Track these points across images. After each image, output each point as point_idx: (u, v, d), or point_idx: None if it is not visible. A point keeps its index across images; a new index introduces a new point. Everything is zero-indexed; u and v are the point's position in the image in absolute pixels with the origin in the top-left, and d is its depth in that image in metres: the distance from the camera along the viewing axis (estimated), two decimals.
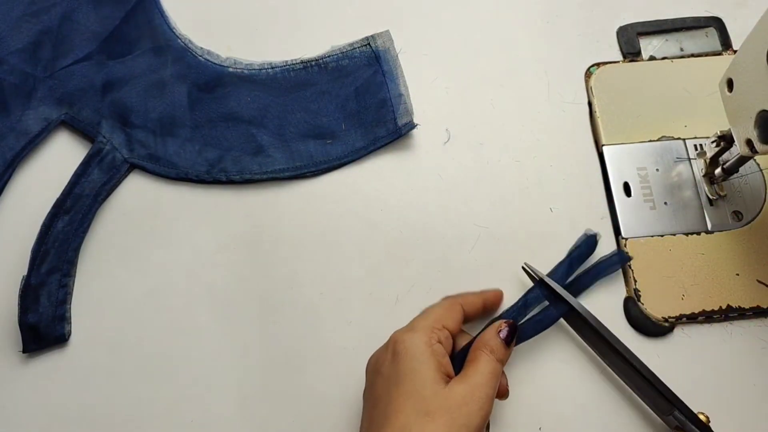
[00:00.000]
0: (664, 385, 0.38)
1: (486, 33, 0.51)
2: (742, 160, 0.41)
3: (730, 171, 0.43)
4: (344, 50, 0.49)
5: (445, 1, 0.52)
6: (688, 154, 0.46)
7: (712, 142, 0.43)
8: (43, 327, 0.41)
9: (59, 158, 0.47)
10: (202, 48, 0.49)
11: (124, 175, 0.46)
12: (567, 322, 0.41)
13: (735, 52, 0.49)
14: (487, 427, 0.38)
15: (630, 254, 0.43)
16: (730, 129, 0.39)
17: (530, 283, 0.42)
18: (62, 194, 0.44)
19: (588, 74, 0.49)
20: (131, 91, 0.47)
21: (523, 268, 0.42)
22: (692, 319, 0.42)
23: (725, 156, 0.43)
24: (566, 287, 0.41)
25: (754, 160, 0.45)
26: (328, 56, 0.49)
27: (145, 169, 0.46)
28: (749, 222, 0.44)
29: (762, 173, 0.45)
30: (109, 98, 0.47)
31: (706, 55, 0.49)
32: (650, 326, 0.42)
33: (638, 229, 0.44)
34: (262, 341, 0.42)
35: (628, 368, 0.39)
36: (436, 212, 0.45)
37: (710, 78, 0.44)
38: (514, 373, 0.41)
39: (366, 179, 0.46)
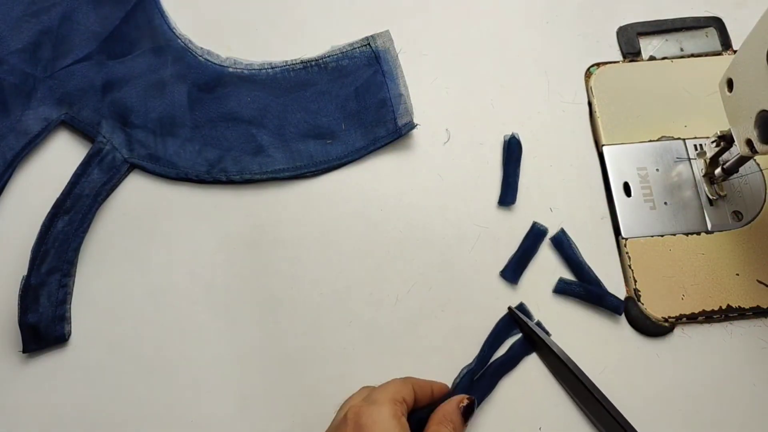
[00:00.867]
0: (634, 430, 0.38)
1: (486, 33, 0.51)
2: (742, 160, 0.41)
3: (730, 171, 0.43)
4: (344, 50, 0.49)
5: (445, 2, 0.52)
6: (688, 154, 0.46)
7: (712, 142, 0.43)
8: (43, 327, 0.41)
9: (59, 158, 0.47)
10: (202, 48, 0.49)
11: (124, 175, 0.46)
12: (540, 358, 0.42)
13: (735, 52, 0.49)
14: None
15: (629, 254, 0.43)
16: (730, 129, 0.39)
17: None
18: (62, 194, 0.44)
19: (588, 74, 0.49)
20: (131, 91, 0.47)
21: (509, 308, 0.42)
22: (692, 319, 0.42)
23: (725, 156, 0.43)
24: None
25: (754, 160, 0.45)
26: (328, 56, 0.49)
27: (145, 169, 0.46)
28: (749, 222, 0.44)
29: (762, 173, 0.45)
30: (109, 98, 0.47)
31: (706, 55, 0.49)
32: (650, 326, 0.42)
33: (638, 229, 0.44)
34: (262, 341, 0.42)
35: (600, 409, 0.39)
36: (436, 212, 0.45)
37: (710, 78, 0.44)
38: (514, 373, 0.41)
39: (366, 179, 0.46)
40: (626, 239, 0.44)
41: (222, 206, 0.46)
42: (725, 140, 0.42)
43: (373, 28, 0.49)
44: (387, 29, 0.49)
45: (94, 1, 0.50)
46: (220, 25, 0.51)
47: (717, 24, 0.50)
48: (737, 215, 0.44)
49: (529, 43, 0.50)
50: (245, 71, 0.48)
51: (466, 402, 0.37)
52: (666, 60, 0.49)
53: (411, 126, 0.46)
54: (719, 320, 0.42)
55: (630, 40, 0.50)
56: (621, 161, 0.46)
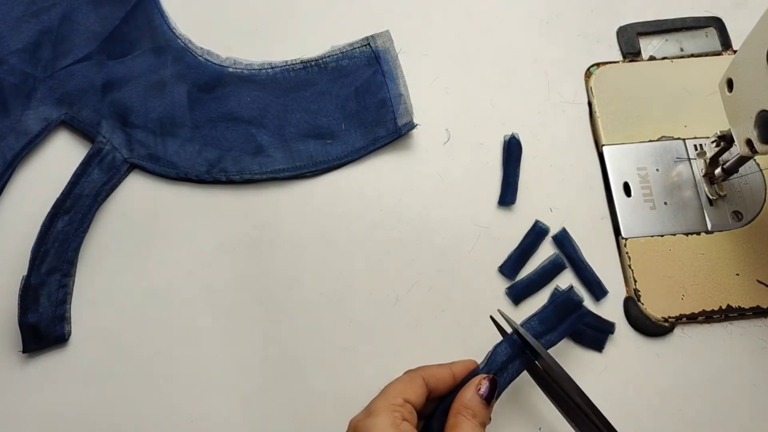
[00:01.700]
0: None
1: (486, 33, 0.51)
2: (742, 160, 0.41)
3: (730, 171, 0.43)
4: (344, 50, 0.49)
5: (446, 2, 0.52)
6: (688, 154, 0.46)
7: (712, 142, 0.43)
8: (43, 327, 0.41)
9: (59, 158, 0.47)
10: (202, 48, 0.49)
11: (124, 175, 0.46)
12: (530, 374, 0.38)
13: (735, 52, 0.49)
14: None
15: (630, 254, 0.43)
16: (730, 129, 0.39)
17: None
18: (62, 194, 0.44)
19: (588, 74, 0.49)
20: (131, 91, 0.47)
21: (491, 317, 0.40)
22: (692, 319, 0.42)
23: (725, 156, 0.43)
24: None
25: (754, 160, 0.45)
26: (328, 56, 0.49)
27: (145, 169, 0.46)
28: (749, 222, 0.44)
29: (762, 173, 0.45)
30: (109, 98, 0.47)
31: (706, 55, 0.49)
32: (650, 326, 0.42)
33: (638, 229, 0.44)
34: (262, 341, 0.42)
35: (584, 419, 0.35)
36: (436, 212, 0.45)
37: (710, 78, 0.44)
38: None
39: (366, 179, 0.46)
40: (626, 239, 0.44)
41: (222, 206, 0.46)
42: (725, 140, 0.42)
43: (373, 28, 0.49)
44: (387, 29, 0.49)
45: (94, 1, 0.50)
46: (220, 25, 0.51)
47: (717, 24, 0.50)
48: (737, 215, 0.44)
49: (529, 43, 0.50)
50: (245, 71, 0.48)
51: (485, 385, 0.34)
52: (666, 60, 0.49)
53: (411, 126, 0.46)
54: (719, 320, 0.42)
55: (630, 40, 0.50)
56: (621, 161, 0.46)
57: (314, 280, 0.44)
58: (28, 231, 0.43)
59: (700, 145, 0.46)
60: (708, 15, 0.51)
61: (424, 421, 0.36)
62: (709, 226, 0.44)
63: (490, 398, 0.34)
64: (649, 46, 0.50)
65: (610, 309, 0.43)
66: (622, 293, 0.43)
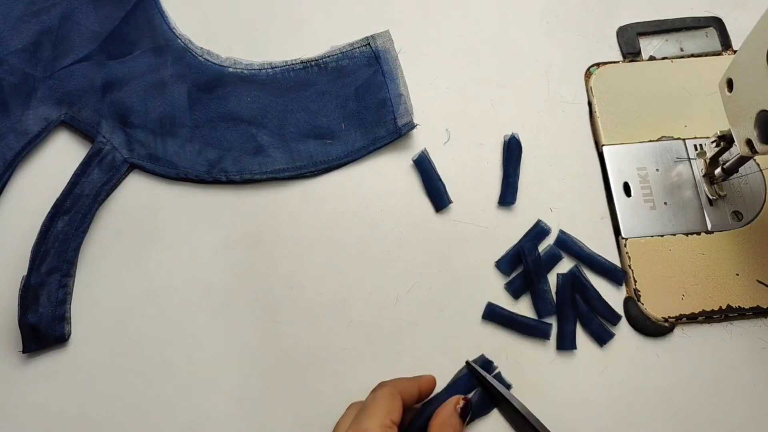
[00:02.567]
0: None
1: (486, 33, 0.51)
2: (742, 160, 0.41)
3: (730, 171, 0.43)
4: (344, 50, 0.49)
5: (445, 1, 0.52)
6: (688, 154, 0.46)
7: (712, 142, 0.43)
8: (43, 327, 0.41)
9: (59, 158, 0.47)
10: (202, 48, 0.49)
11: (124, 175, 0.46)
12: (501, 413, 0.40)
13: (735, 52, 0.49)
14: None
15: (629, 254, 0.43)
16: (730, 129, 0.39)
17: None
18: (62, 194, 0.44)
19: (588, 74, 0.49)
20: (131, 91, 0.47)
21: (467, 362, 0.41)
22: (692, 319, 0.42)
23: (725, 156, 0.43)
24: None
25: (754, 160, 0.45)
26: (328, 56, 0.49)
27: (144, 169, 0.46)
28: (749, 222, 0.44)
29: (762, 173, 0.45)
30: (109, 98, 0.47)
31: (706, 55, 0.49)
32: (650, 326, 0.42)
33: (638, 229, 0.44)
34: (262, 341, 0.42)
35: None
36: (435, 212, 0.45)
37: (710, 78, 0.44)
38: (514, 372, 0.41)
39: (366, 179, 0.46)
40: (626, 239, 0.44)
41: (222, 206, 0.46)
42: (725, 140, 0.42)
43: (373, 28, 0.49)
44: (387, 29, 0.49)
45: (94, 1, 0.50)
46: (220, 25, 0.51)
47: (717, 24, 0.50)
48: (737, 215, 0.44)
49: (529, 43, 0.50)
50: (245, 71, 0.48)
51: (462, 403, 0.37)
52: (666, 60, 0.49)
53: (411, 126, 0.46)
54: (719, 320, 0.42)
55: (630, 40, 0.50)
56: (621, 161, 0.46)
57: (314, 280, 0.44)
58: (28, 231, 0.43)
59: (700, 145, 0.46)
60: (708, 15, 0.51)
61: None
62: (709, 226, 0.44)
63: (465, 416, 0.37)
64: (649, 46, 0.50)
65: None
66: (622, 293, 0.43)
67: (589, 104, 0.48)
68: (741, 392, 0.41)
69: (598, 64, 0.49)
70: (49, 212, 0.43)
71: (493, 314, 0.42)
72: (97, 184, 0.45)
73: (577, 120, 0.48)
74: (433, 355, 0.42)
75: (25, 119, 0.46)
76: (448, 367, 0.41)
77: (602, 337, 0.42)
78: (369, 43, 0.48)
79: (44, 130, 0.46)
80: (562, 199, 0.46)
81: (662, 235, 0.44)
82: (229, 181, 0.46)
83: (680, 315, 0.42)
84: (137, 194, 0.46)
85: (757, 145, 0.35)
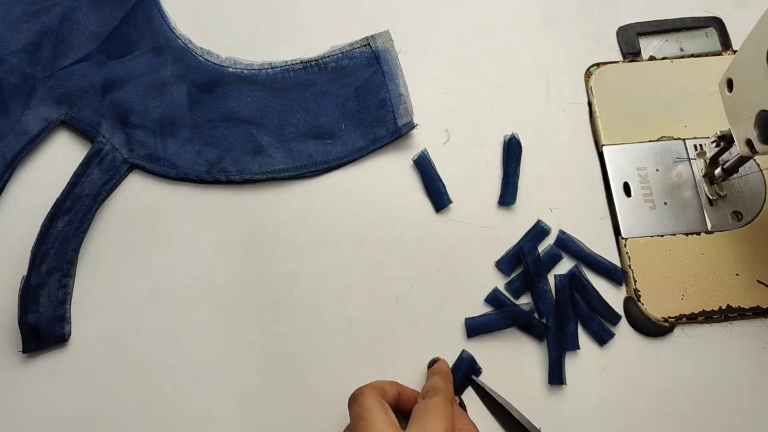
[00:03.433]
0: None
1: (486, 33, 0.51)
2: (742, 160, 0.41)
3: (730, 171, 0.43)
4: (344, 50, 0.49)
5: (445, 2, 0.52)
6: (688, 154, 0.46)
7: (712, 142, 0.43)
8: (43, 327, 0.41)
9: (59, 158, 0.47)
10: (202, 48, 0.49)
11: (124, 175, 0.46)
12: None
13: (735, 52, 0.49)
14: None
15: (629, 254, 0.43)
16: (730, 129, 0.39)
17: None
18: (62, 194, 0.44)
19: (588, 74, 0.49)
20: (131, 91, 0.47)
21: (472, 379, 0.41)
22: (692, 319, 0.42)
23: (725, 156, 0.43)
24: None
25: (754, 160, 0.45)
26: (328, 56, 0.49)
27: (144, 169, 0.46)
28: (749, 222, 0.44)
29: (762, 173, 0.45)
30: (109, 98, 0.47)
31: (706, 55, 0.49)
32: (650, 326, 0.42)
33: (638, 230, 0.44)
34: (262, 341, 0.42)
35: None
36: (435, 212, 0.45)
37: (710, 78, 0.44)
38: (514, 372, 0.41)
39: (366, 179, 0.46)
40: (626, 239, 0.44)
41: (222, 206, 0.46)
42: (725, 140, 0.42)
43: (373, 28, 0.49)
44: (387, 29, 0.49)
45: (94, 2, 0.50)
46: (220, 25, 0.51)
47: (717, 24, 0.50)
48: (737, 215, 0.44)
49: (529, 43, 0.50)
50: (245, 71, 0.48)
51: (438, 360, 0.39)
52: (666, 60, 0.49)
53: (411, 126, 0.46)
54: (719, 320, 0.42)
55: (630, 40, 0.50)
56: (621, 161, 0.46)
57: (314, 280, 0.44)
58: (28, 231, 0.43)
59: (700, 145, 0.46)
60: (708, 15, 0.51)
61: None
62: (709, 226, 0.44)
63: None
64: (649, 46, 0.50)
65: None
66: (622, 293, 0.43)
67: (589, 104, 0.48)
68: (741, 392, 0.41)
69: (598, 64, 0.49)
70: (49, 212, 0.43)
71: (496, 301, 0.43)
72: (97, 184, 0.45)
73: (577, 120, 0.48)
74: (433, 355, 0.42)
75: (25, 119, 0.46)
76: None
77: (602, 337, 0.42)
78: (369, 43, 0.48)
79: (44, 130, 0.46)
80: (562, 199, 0.46)
81: (662, 235, 0.44)
82: (229, 181, 0.46)
83: (680, 315, 0.42)
84: (137, 194, 0.46)
85: (757, 145, 0.35)
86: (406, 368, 0.41)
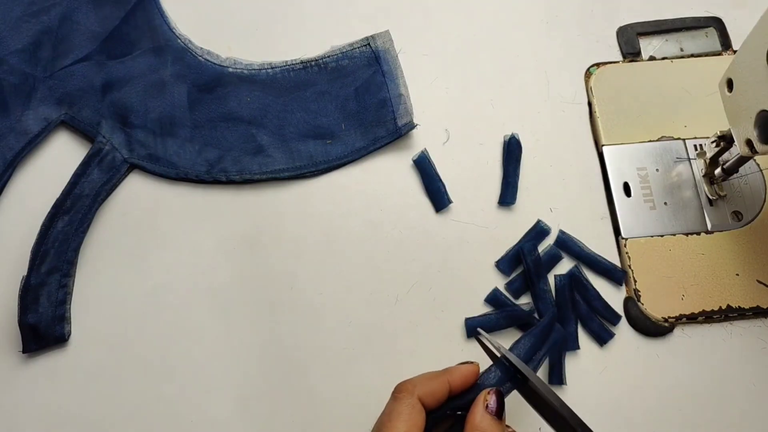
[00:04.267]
0: None
1: (486, 33, 0.51)
2: (742, 160, 0.41)
3: (730, 171, 0.43)
4: (344, 50, 0.49)
5: (445, 1, 0.52)
6: (688, 154, 0.46)
7: (712, 142, 0.43)
8: (43, 327, 0.41)
9: (59, 158, 0.47)
10: (202, 48, 0.49)
11: (124, 175, 0.46)
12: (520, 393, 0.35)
13: (735, 52, 0.49)
14: None
15: (629, 254, 0.43)
16: (730, 129, 0.39)
17: None
18: (62, 194, 0.44)
19: (588, 74, 0.49)
20: (131, 91, 0.47)
21: (477, 338, 0.36)
22: (692, 319, 0.42)
23: (725, 156, 0.43)
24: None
25: (754, 160, 0.45)
26: (328, 56, 0.49)
27: (144, 169, 0.46)
28: (749, 222, 0.44)
29: (762, 173, 0.45)
30: (109, 98, 0.47)
31: (706, 55, 0.49)
32: (650, 326, 0.42)
33: (638, 230, 0.44)
34: (262, 341, 0.42)
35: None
36: (435, 212, 0.45)
37: (710, 78, 0.44)
38: None
39: (366, 179, 0.46)
40: (626, 239, 0.44)
41: (222, 206, 0.46)
42: (725, 140, 0.42)
43: (373, 28, 0.49)
44: (387, 29, 0.49)
45: (94, 2, 0.50)
46: (220, 25, 0.51)
47: (717, 24, 0.50)
48: (737, 215, 0.44)
49: (529, 43, 0.50)
50: (245, 71, 0.48)
51: (492, 399, 0.32)
52: (666, 60, 0.49)
53: (411, 126, 0.46)
54: (719, 320, 0.42)
55: (630, 40, 0.50)
56: (621, 161, 0.46)
57: (314, 280, 0.44)
58: (28, 231, 0.43)
59: (700, 145, 0.46)
60: (708, 15, 0.51)
61: None
62: (709, 226, 0.44)
63: (500, 412, 0.32)
64: (649, 46, 0.50)
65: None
66: (622, 293, 0.43)
67: (589, 104, 0.48)
68: (741, 392, 0.41)
69: (598, 64, 0.49)
70: (49, 212, 0.43)
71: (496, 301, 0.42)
72: (97, 184, 0.45)
73: (577, 120, 0.48)
74: (433, 355, 0.42)
75: (25, 119, 0.46)
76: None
77: (602, 337, 0.42)
78: (369, 43, 0.48)
79: (44, 130, 0.46)
80: (562, 199, 0.46)
81: (662, 235, 0.44)
82: (229, 181, 0.46)
83: (680, 315, 0.42)
84: (137, 194, 0.46)
85: (757, 145, 0.35)
86: (407, 368, 0.41)
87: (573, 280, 0.43)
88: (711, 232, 0.44)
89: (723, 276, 0.43)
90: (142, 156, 0.46)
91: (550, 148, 0.47)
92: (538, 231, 0.44)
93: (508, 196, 0.45)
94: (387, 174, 0.47)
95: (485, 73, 0.49)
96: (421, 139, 0.47)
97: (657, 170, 0.46)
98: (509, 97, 0.49)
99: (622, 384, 0.41)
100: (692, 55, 0.49)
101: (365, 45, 0.48)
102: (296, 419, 0.41)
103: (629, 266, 0.43)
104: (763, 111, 0.34)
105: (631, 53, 0.50)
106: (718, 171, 0.44)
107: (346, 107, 0.47)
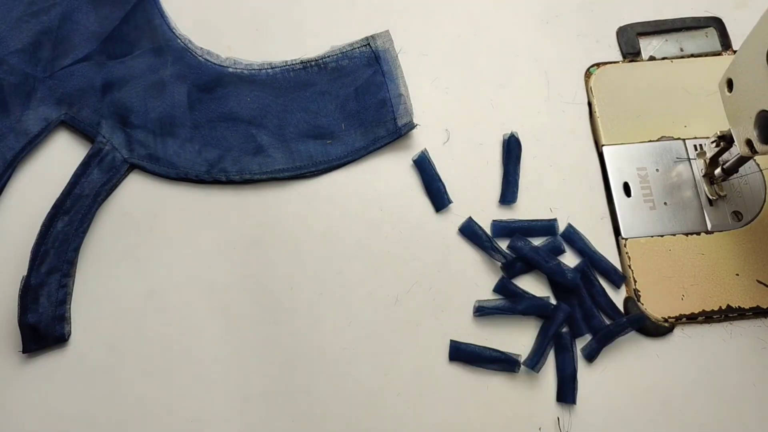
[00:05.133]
0: None
1: (486, 33, 0.51)
2: (742, 160, 0.41)
3: (730, 171, 0.43)
4: (344, 50, 0.49)
5: (445, 2, 0.52)
6: (687, 154, 0.46)
7: (712, 142, 0.43)
8: (43, 327, 0.41)
9: (59, 158, 0.47)
10: (202, 48, 0.49)
11: (124, 176, 0.46)
12: None
13: (735, 52, 0.49)
14: None
15: (629, 254, 0.43)
16: (730, 129, 0.39)
17: None
18: (62, 194, 0.44)
19: (588, 74, 0.49)
20: (131, 92, 0.47)
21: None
22: (692, 319, 0.42)
23: (725, 156, 0.43)
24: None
25: (754, 160, 0.45)
26: (328, 56, 0.49)
27: (145, 170, 0.46)
28: (749, 222, 0.44)
29: (762, 173, 0.45)
30: (109, 98, 0.47)
31: (706, 55, 0.49)
32: (650, 326, 0.42)
33: (638, 230, 0.44)
34: (262, 341, 0.42)
35: None
36: (435, 212, 0.45)
37: (710, 78, 0.44)
38: (515, 373, 0.41)
39: (366, 179, 0.46)
40: (626, 239, 0.44)
41: (222, 206, 0.46)
42: (725, 140, 0.42)
43: (373, 28, 0.49)
44: (387, 29, 0.49)
45: (93, 2, 0.50)
46: (220, 25, 0.51)
47: (717, 24, 0.50)
48: (737, 215, 0.44)
49: (529, 43, 0.50)
50: (245, 71, 0.48)
51: None
52: (666, 60, 0.49)
53: (411, 126, 0.46)
54: (719, 320, 0.42)
55: (630, 40, 0.50)
56: (621, 161, 0.46)
57: (314, 280, 0.44)
58: (28, 231, 0.43)
59: (700, 145, 0.46)
60: (708, 15, 0.51)
61: None
62: (709, 226, 0.44)
63: None
64: (649, 46, 0.50)
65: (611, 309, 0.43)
66: (622, 293, 0.43)
67: (589, 104, 0.48)
68: (741, 392, 0.41)
69: (598, 64, 0.49)
70: (49, 212, 0.43)
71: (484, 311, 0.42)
72: (97, 184, 0.45)
73: (577, 120, 0.48)
74: (433, 354, 0.42)
75: (25, 119, 0.46)
76: (449, 367, 0.41)
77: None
78: (369, 43, 0.48)
79: (44, 131, 0.46)
80: (562, 199, 0.46)
81: (662, 235, 0.44)
82: (229, 181, 0.46)
83: (680, 315, 0.42)
84: (137, 194, 0.46)
85: (757, 145, 0.35)
86: (406, 369, 0.41)
87: (581, 274, 0.43)
88: (711, 232, 0.44)
89: (723, 276, 0.43)
90: (142, 156, 0.46)
91: (550, 148, 0.47)
92: (546, 225, 0.44)
93: (508, 195, 0.45)
94: (387, 174, 0.47)
95: (485, 73, 0.49)
96: (421, 139, 0.47)
97: (657, 170, 0.46)
98: (509, 97, 0.49)
99: (622, 384, 0.41)
100: (692, 55, 0.49)
101: (365, 45, 0.48)
102: (296, 419, 0.41)
103: (629, 266, 0.43)
104: (763, 111, 0.34)
105: (631, 53, 0.50)
106: (718, 171, 0.44)
107: (345, 107, 0.47)
